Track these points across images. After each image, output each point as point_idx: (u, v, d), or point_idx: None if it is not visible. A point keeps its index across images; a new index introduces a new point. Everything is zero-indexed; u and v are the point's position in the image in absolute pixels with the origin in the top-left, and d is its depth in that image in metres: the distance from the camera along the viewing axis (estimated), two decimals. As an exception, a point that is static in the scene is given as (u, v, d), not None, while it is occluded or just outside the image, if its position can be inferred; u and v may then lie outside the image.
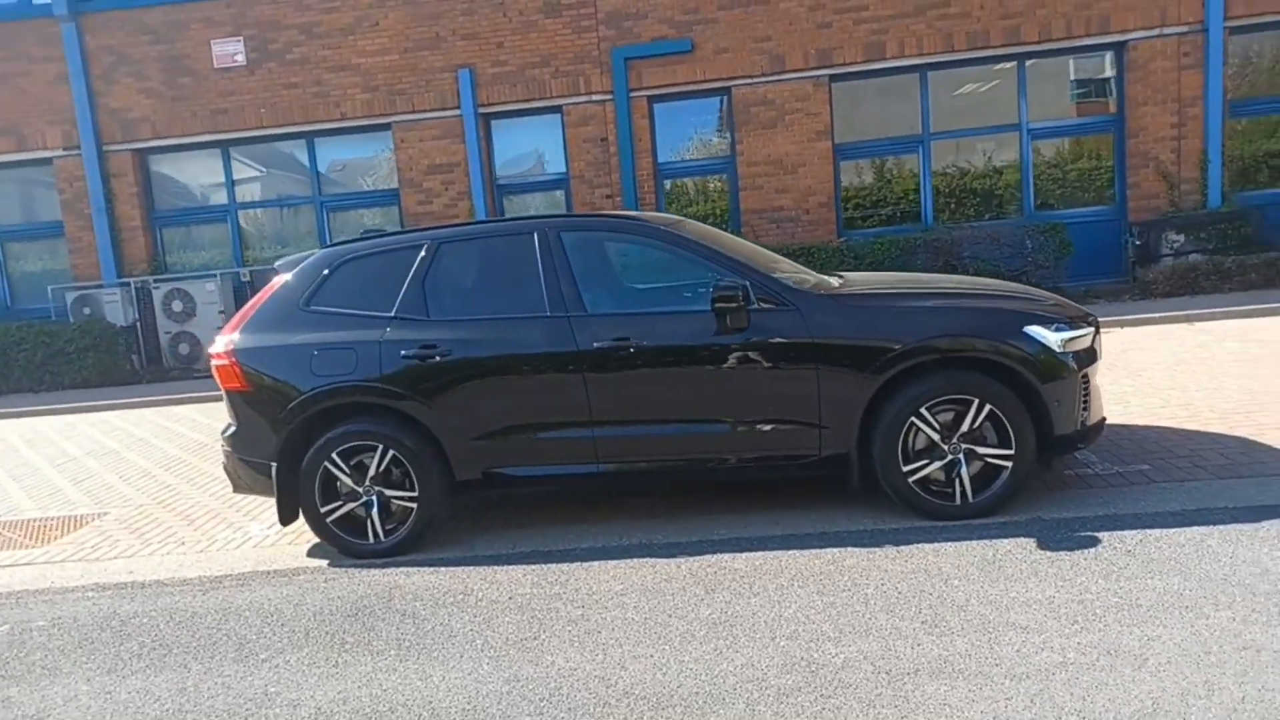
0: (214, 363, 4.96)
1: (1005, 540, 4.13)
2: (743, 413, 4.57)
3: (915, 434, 4.46)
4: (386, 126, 13.23)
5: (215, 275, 13.13)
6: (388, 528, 4.80)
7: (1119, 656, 2.96)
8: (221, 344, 4.94)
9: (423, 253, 4.91)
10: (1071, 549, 3.95)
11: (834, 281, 5.10)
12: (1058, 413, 4.39)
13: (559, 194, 13.31)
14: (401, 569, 4.59)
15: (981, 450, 4.43)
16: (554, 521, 5.08)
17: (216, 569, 4.91)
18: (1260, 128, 12.49)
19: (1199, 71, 12.03)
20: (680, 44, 12.50)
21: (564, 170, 13.15)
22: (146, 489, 6.83)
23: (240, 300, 13.25)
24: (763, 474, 4.70)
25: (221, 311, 12.95)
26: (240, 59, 13.23)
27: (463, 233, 5.02)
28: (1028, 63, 12.52)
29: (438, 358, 4.70)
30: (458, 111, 12.96)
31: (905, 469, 4.45)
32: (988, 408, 4.37)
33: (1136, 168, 12.33)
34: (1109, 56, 12.45)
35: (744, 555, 4.26)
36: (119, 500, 6.59)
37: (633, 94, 12.68)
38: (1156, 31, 12.03)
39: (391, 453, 4.72)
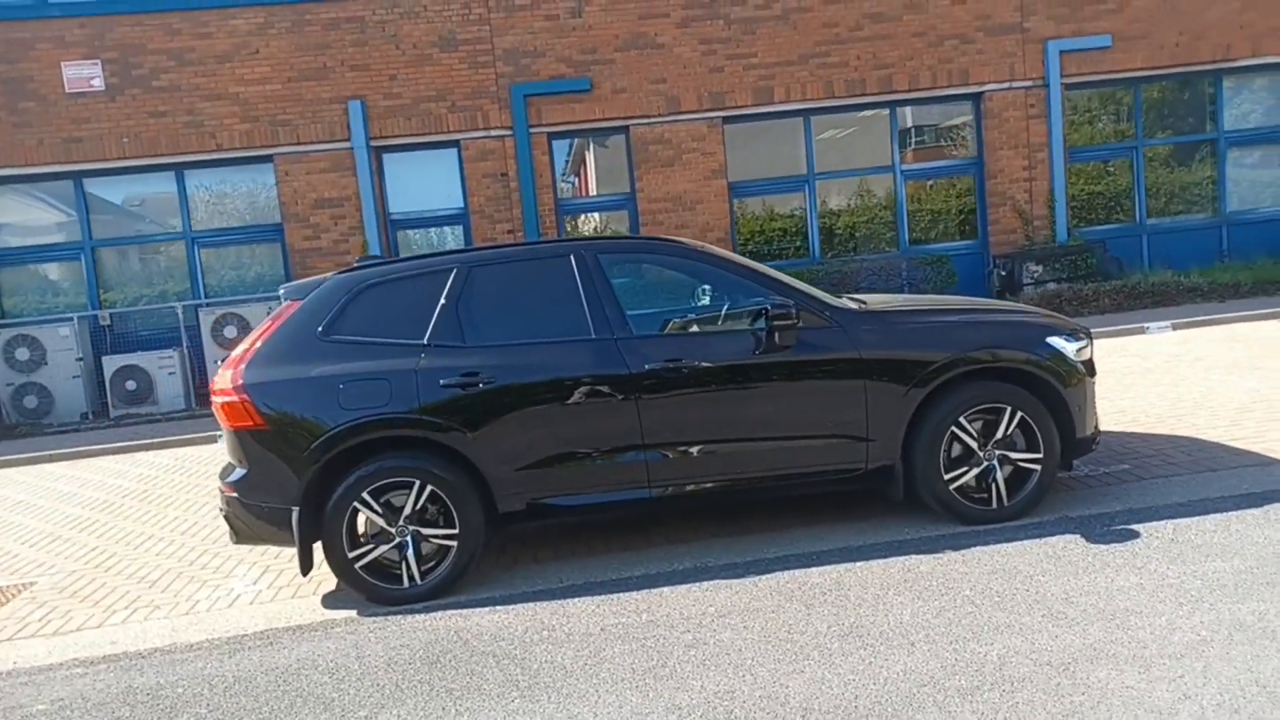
0: (218, 399, 4.49)
1: (1053, 538, 4.39)
2: (794, 429, 4.63)
3: (953, 443, 4.68)
4: (268, 159, 12.50)
5: (71, 319, 11.83)
6: (424, 569, 4.49)
7: (1247, 630, 3.22)
8: (226, 379, 4.49)
9: (452, 277, 4.68)
10: (1119, 541, 4.26)
11: (852, 303, 5.29)
12: (1078, 417, 4.75)
13: (457, 229, 13.00)
14: (449, 612, 4.29)
15: (1014, 455, 4.70)
16: (586, 553, 4.92)
17: (223, 630, 4.40)
18: (1093, 171, 14.07)
19: (1043, 121, 13.44)
20: (579, 83, 12.62)
21: (462, 205, 12.88)
22: (67, 553, 6.03)
23: (99, 346, 12.04)
24: (812, 489, 4.77)
25: (79, 359, 11.68)
26: (98, 84, 12.14)
27: (493, 256, 4.83)
28: (899, 109, 13.53)
29: (481, 385, 4.47)
30: (348, 144, 12.44)
31: (946, 477, 4.66)
32: (1019, 415, 4.66)
33: (996, 205, 13.55)
34: (969, 105, 13.66)
35: (816, 570, 4.30)
36: (37, 568, 5.78)
37: (533, 130, 12.65)
38: (1007, 85, 13.35)
39: (430, 488, 4.43)
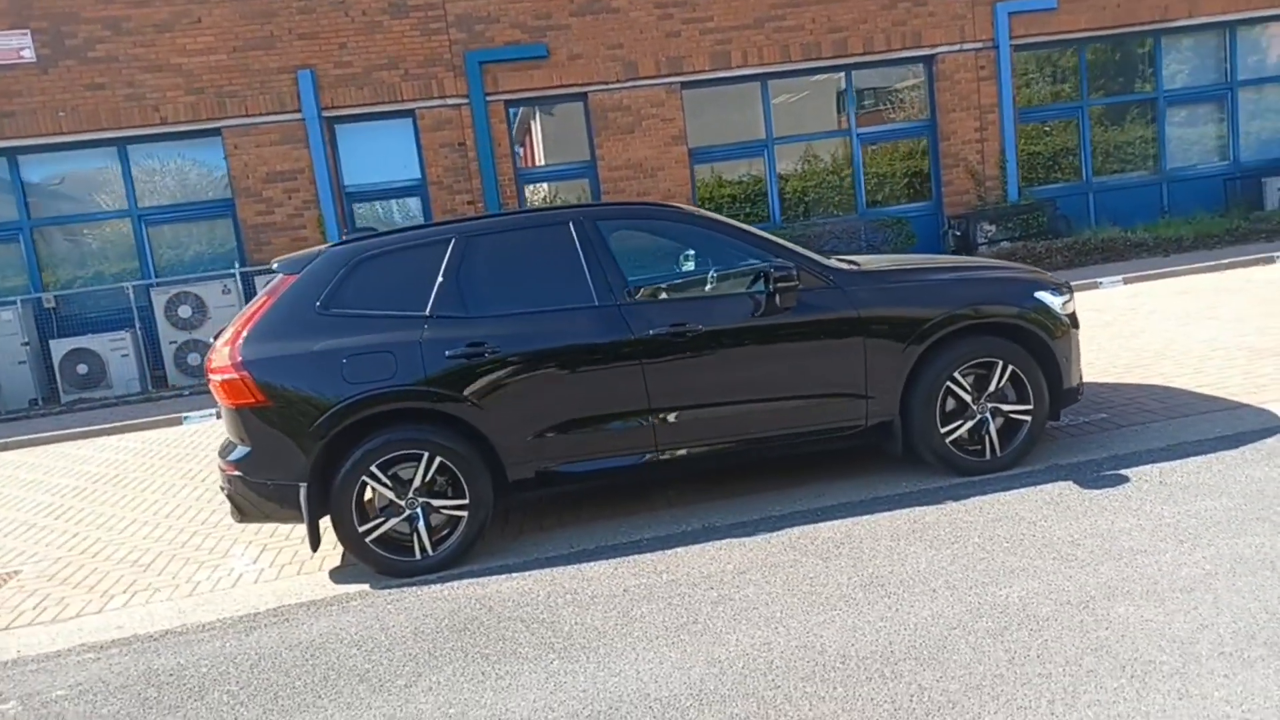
0: (216, 378, 4.40)
1: (1047, 485, 4.57)
2: (796, 388, 4.71)
3: (947, 398, 4.82)
4: (216, 132, 12.10)
5: (14, 302, 11.37)
6: (434, 541, 4.48)
7: (1248, 563, 3.41)
8: (224, 357, 4.39)
9: (451, 247, 4.64)
10: (1111, 485, 4.45)
11: (845, 265, 5.37)
12: (1065, 368, 4.92)
13: (415, 201, 12.79)
14: (465, 581, 4.31)
15: (1005, 408, 4.86)
16: (591, 519, 4.95)
17: (233, 610, 4.35)
18: (1040, 132, 14.38)
19: (993, 82, 13.68)
20: (535, 49, 12.44)
21: (420, 176, 12.66)
22: (47, 540, 5.86)
23: (45, 329, 11.62)
24: (813, 447, 4.86)
25: (25, 343, 11.26)
26: (28, 54, 11.58)
27: (490, 225, 4.79)
28: (854, 73, 13.64)
29: (487, 355, 4.46)
30: (299, 115, 12.11)
31: (942, 431, 4.80)
32: (1010, 369, 4.81)
33: (949, 167, 13.79)
34: (921, 67, 13.82)
35: (825, 525, 4.41)
36: (18, 556, 5.61)
37: (489, 98, 12.45)
38: (958, 46, 13.54)
39: (439, 460, 4.42)
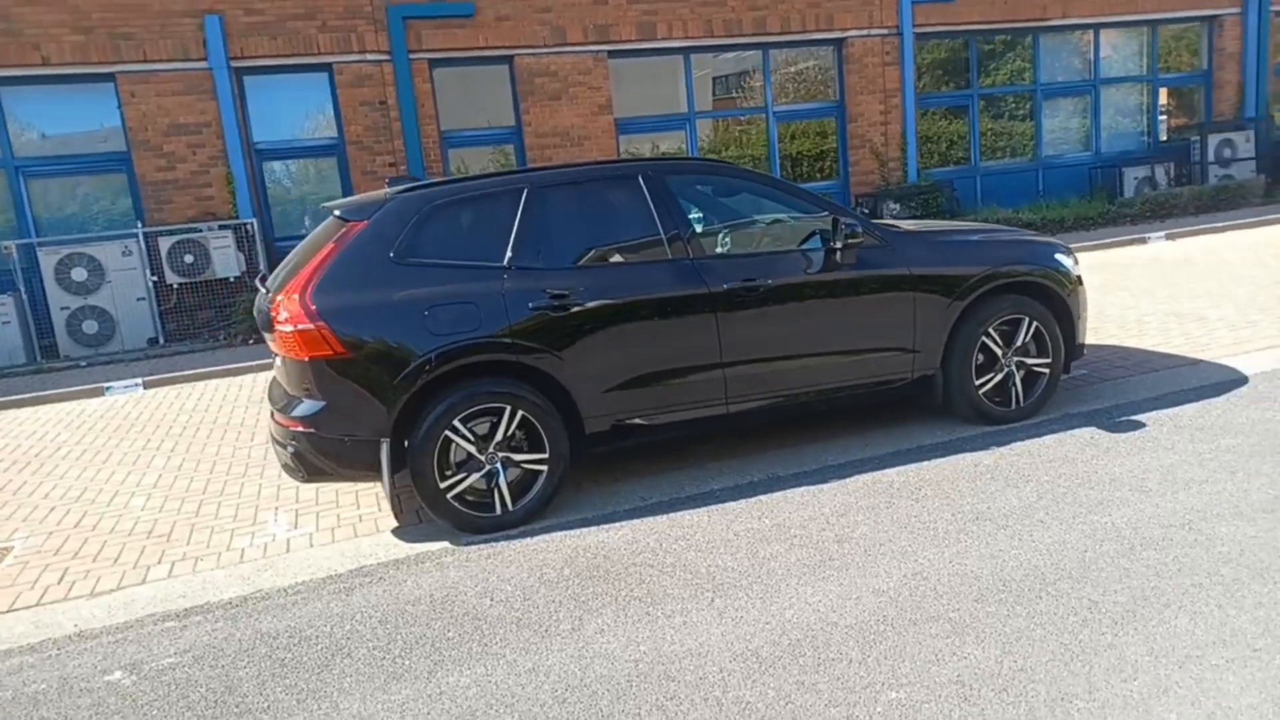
0: (288, 329, 4.13)
1: (1075, 431, 4.99)
2: (853, 342, 4.93)
3: (979, 352, 5.16)
4: (109, 77, 11.04)
5: None
6: (513, 496, 4.41)
7: (1301, 484, 3.91)
8: (295, 305, 4.13)
9: (525, 197, 4.53)
10: (1133, 429, 4.92)
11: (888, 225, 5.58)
12: (1079, 325, 5.37)
13: (331, 160, 12.15)
14: (554, 535, 4.27)
15: (1029, 361, 5.26)
16: (641, 474, 4.97)
17: (308, 573, 4.12)
18: (937, 117, 15.30)
19: (898, 68, 14.41)
20: (462, 7, 12.06)
21: (337, 135, 12.03)
22: (19, 515, 5.31)
23: (-92, 292, 10.33)
24: (863, 400, 5.09)
25: (-114, 307, 9.95)
26: (-120, -23, 10.16)
27: (560, 176, 4.70)
28: (771, 51, 14.02)
29: (570, 307, 4.41)
30: (205, 64, 11.24)
31: (977, 382, 5.15)
32: (1034, 324, 5.21)
33: (856, 147, 14.45)
34: (833, 50, 14.37)
35: (891, 471, 4.65)
36: (-5, 534, 5.07)
37: (413, 56, 11.98)
38: (866, 31, 14.17)
39: (520, 413, 4.34)
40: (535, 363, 4.37)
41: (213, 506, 5.19)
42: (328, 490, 5.24)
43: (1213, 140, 15.71)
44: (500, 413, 4.32)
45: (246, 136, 11.65)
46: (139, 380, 8.76)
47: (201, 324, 11.17)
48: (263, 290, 4.71)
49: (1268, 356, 6.07)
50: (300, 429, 4.22)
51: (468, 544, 4.27)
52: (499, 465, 4.37)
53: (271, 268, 11.55)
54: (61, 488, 5.81)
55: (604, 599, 3.52)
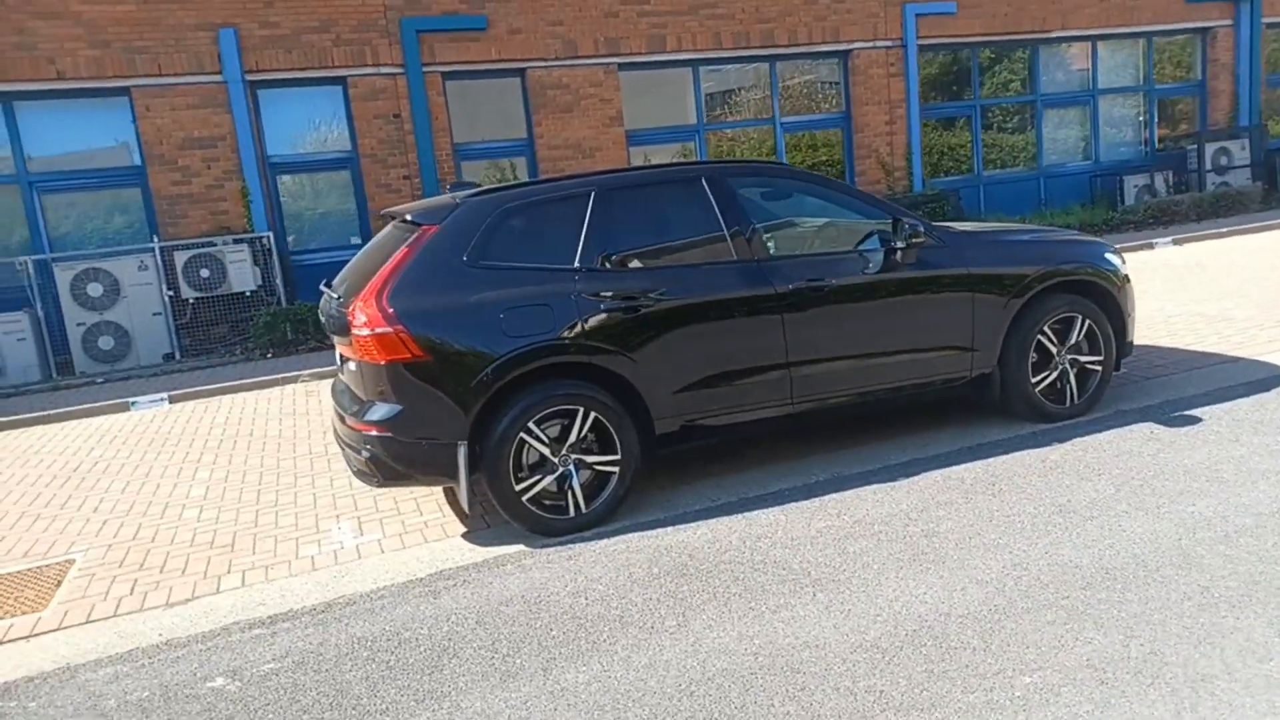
0: (365, 332, 4.11)
1: (1133, 426, 5.04)
2: (915, 341, 4.96)
3: (1035, 350, 5.20)
4: (123, 91, 10.99)
5: (-118, 277, 9.89)
6: (587, 497, 4.40)
7: (1377, 472, 3.95)
8: (373, 312, 4.11)
9: (592, 200, 4.55)
10: (1190, 424, 4.97)
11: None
12: (1129, 323, 5.43)
13: (345, 174, 12.12)
14: (632, 535, 4.25)
15: (1082, 358, 5.31)
16: (703, 475, 4.97)
17: (386, 579, 4.08)
18: (941, 127, 15.46)
19: (902, 79, 14.56)
20: (475, 20, 12.10)
21: (351, 148, 12.01)
22: (73, 530, 5.25)
23: (-79, 309, 10.21)
24: (924, 398, 5.12)
25: (-100, 324, 9.82)
26: (-107, -7, 10.09)
27: (625, 179, 4.74)
28: (778, 64, 14.14)
29: (641, 309, 4.42)
30: (219, 77, 11.20)
31: (1033, 380, 5.19)
32: (1087, 323, 5.26)
33: (862, 157, 14.57)
34: (839, 62, 14.51)
35: (959, 468, 4.67)
36: (50, 545, 5.00)
37: (426, 69, 12.00)
38: (871, 43, 14.32)
39: (593, 415, 4.34)
40: (607, 364, 4.37)
41: (270, 516, 5.15)
42: (386, 498, 5.21)
43: (1209, 149, 15.94)
44: (573, 414, 4.32)
45: (261, 150, 11.62)
46: (164, 395, 8.68)
47: (217, 339, 11.09)
48: (330, 294, 4.69)
49: (1307, 354, 6.16)
50: (376, 433, 4.20)
51: (543, 546, 4.25)
52: (572, 467, 4.36)
53: (287, 282, 11.50)
54: (109, 501, 5.75)
55: (702, 596, 3.51)
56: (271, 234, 11.27)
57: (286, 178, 12.01)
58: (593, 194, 4.58)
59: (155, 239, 10.84)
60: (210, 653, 3.53)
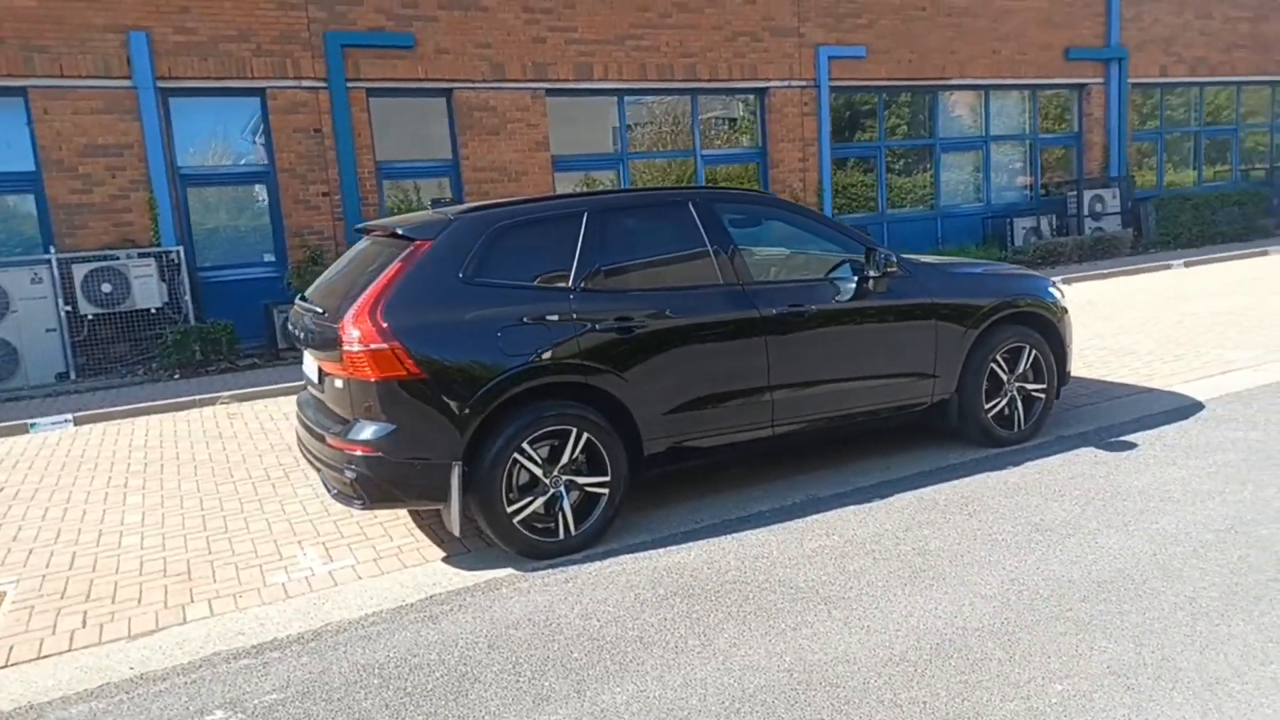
0: (357, 349, 3.97)
1: (1078, 451, 5.36)
2: (885, 367, 5.15)
3: (989, 378, 5.49)
4: (19, 91, 10.28)
5: None
6: (576, 519, 4.36)
7: (1309, 491, 4.34)
8: (367, 327, 3.98)
9: (585, 221, 4.55)
10: (1129, 449, 5.32)
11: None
12: (1069, 354, 5.80)
13: (261, 188, 11.66)
14: (624, 558, 4.24)
15: (1029, 386, 5.63)
16: (683, 499, 5.00)
17: (373, 605, 3.92)
18: (849, 166, 16.12)
19: (815, 118, 15.15)
20: (402, 38, 11.92)
21: (269, 162, 11.57)
22: (2, 558, 4.83)
23: None
24: (889, 422, 5.31)
25: None
26: None
27: (616, 201, 4.76)
28: (699, 97, 14.48)
29: (635, 329, 4.44)
30: (129, 83, 10.63)
31: (986, 406, 5.47)
32: (1034, 352, 5.59)
33: (777, 192, 15.00)
34: (756, 99, 14.97)
35: (929, 489, 4.86)
36: (-27, 578, 4.58)
37: (350, 85, 11.72)
38: (787, 83, 14.85)
39: (585, 436, 4.32)
40: (601, 384, 4.37)
41: (223, 543, 4.86)
42: (350, 522, 5.01)
43: (1087, 195, 17.20)
44: (565, 435, 4.29)
45: (171, 160, 11.05)
46: (68, 416, 8.08)
47: (117, 358, 10.42)
48: (311, 308, 4.51)
49: (1210, 384, 6.70)
50: (363, 453, 4.05)
51: (533, 570, 4.18)
52: (562, 489, 4.32)
53: (196, 299, 10.93)
54: (29, 529, 5.31)
55: (718, 615, 3.53)
56: (181, 249, 10.71)
57: (198, 190, 11.45)
58: (586, 214, 4.58)
59: (51, 250, 10.13)
60: (197, 685, 3.31)
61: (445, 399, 4.05)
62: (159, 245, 10.74)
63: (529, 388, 4.21)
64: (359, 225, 5.17)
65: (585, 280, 4.44)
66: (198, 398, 8.59)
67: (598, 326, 4.35)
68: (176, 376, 10.00)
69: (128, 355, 10.46)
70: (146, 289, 10.35)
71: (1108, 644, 3.06)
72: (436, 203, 5.00)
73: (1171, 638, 3.08)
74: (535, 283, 4.37)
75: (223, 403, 8.54)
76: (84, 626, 3.93)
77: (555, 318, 4.28)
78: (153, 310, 10.43)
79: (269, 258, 11.70)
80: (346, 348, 4.01)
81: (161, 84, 10.80)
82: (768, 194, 5.44)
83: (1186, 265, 14.88)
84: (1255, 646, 2.98)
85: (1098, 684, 2.82)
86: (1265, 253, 15.68)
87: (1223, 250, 16.18)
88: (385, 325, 3.99)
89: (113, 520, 5.36)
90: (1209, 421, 5.76)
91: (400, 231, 4.38)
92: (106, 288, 10.20)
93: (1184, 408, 6.12)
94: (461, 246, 4.27)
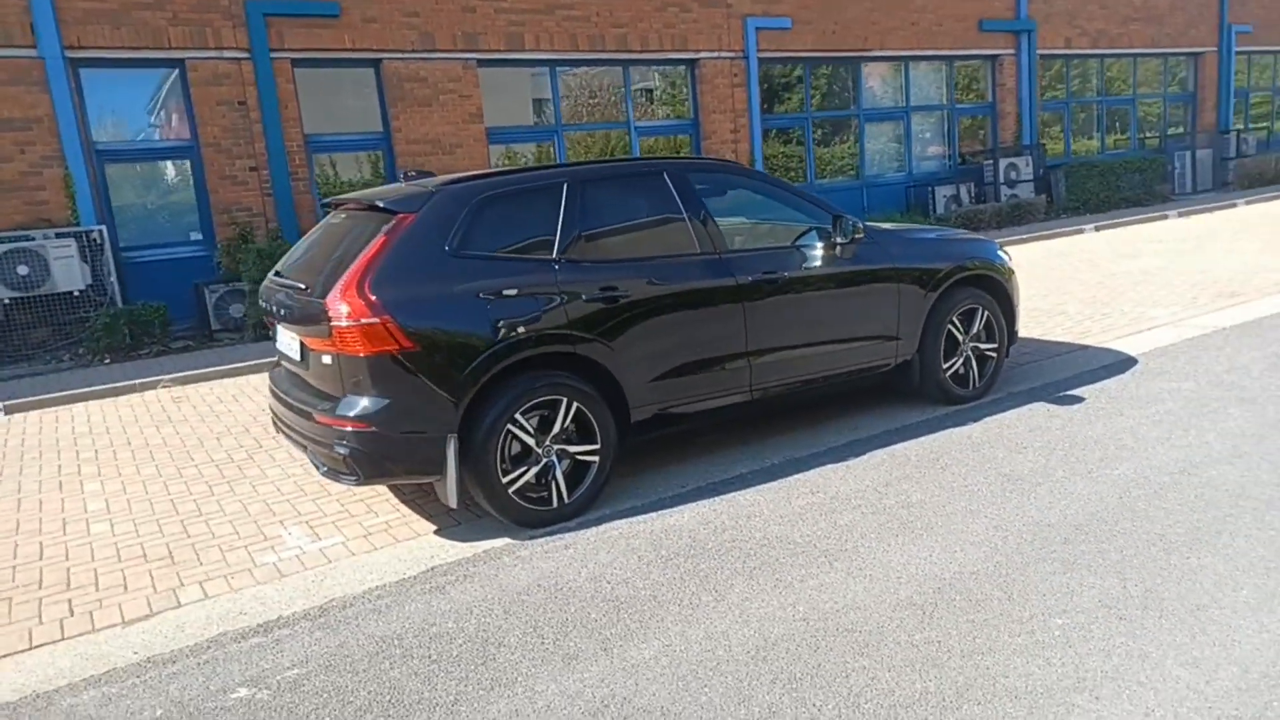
0: (347, 324, 3.93)
1: (1030, 405, 5.66)
2: (852, 330, 5.34)
3: (946, 338, 5.74)
4: (-86, 61, 9.62)
5: None
6: (569, 487, 4.43)
7: (1250, 437, 4.69)
8: (357, 302, 3.94)
9: (565, 191, 4.57)
10: (1078, 402, 5.65)
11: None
12: (1017, 313, 6.10)
13: (185, 164, 11.19)
14: (619, 523, 4.32)
15: (983, 346, 5.90)
16: (661, 466, 5.10)
17: (375, 580, 3.91)
18: (777, 137, 16.36)
19: (744, 89, 15.31)
20: (327, 6, 11.55)
21: (191, 137, 11.11)
22: (-43, 553, 4.62)
23: None
24: (858, 384, 5.51)
25: None
26: None
27: (595, 171, 4.78)
28: (631, 68, 14.45)
29: (619, 298, 4.50)
30: (34, 52, 10.04)
31: (944, 366, 5.72)
32: (986, 314, 5.86)
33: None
34: (687, 70, 15.03)
35: (900, 446, 5.08)
36: (-67, 574, 4.39)
37: (274, 55, 11.32)
38: (716, 54, 14.96)
39: (576, 405, 4.38)
40: (589, 353, 4.42)
41: (201, 526, 4.76)
42: (331, 501, 4.96)
43: (1002, 164, 17.86)
44: (556, 405, 4.33)
45: (86, 135, 10.50)
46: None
47: (37, 343, 9.93)
48: (291, 282, 4.42)
49: (1139, 340, 7.13)
50: (354, 428, 4.02)
51: (530, 538, 4.23)
52: (554, 458, 4.37)
53: (121, 280, 10.48)
54: (-16, 521, 5.08)
55: (725, 572, 3.65)
56: (104, 228, 10.23)
57: (118, 167, 10.93)
58: (566, 185, 4.60)
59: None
60: (211, 665, 3.27)
61: (439, 371, 4.04)
62: (78, 224, 10.24)
63: (521, 358, 4.23)
64: (327, 199, 5.07)
65: (569, 251, 4.47)
66: (136, 382, 8.27)
67: (584, 296, 4.40)
68: (107, 361, 9.59)
69: (50, 340, 9.98)
70: (68, 271, 9.88)
71: (1095, 580, 3.30)
72: (408, 175, 4.92)
73: (1150, 571, 3.33)
74: (521, 253, 4.38)
75: (164, 386, 8.25)
76: (72, 615, 3.82)
77: (542, 288, 4.30)
78: (75, 293, 9.96)
79: (196, 236, 11.27)
80: (335, 323, 3.96)
81: (70, 53, 10.24)
82: (737, 164, 5.53)
83: (1097, 229, 15.64)
84: (1225, 575, 3.26)
85: (1093, 616, 3.04)
86: (1165, 216, 16.59)
87: (1128, 214, 17.06)
88: (375, 299, 3.95)
89: (74, 508, 5.18)
90: (1144, 374, 6.14)
91: (381, 204, 4.33)
92: (23, 270, 9.69)
93: (1120, 362, 6.51)
94: (447, 218, 4.25)
